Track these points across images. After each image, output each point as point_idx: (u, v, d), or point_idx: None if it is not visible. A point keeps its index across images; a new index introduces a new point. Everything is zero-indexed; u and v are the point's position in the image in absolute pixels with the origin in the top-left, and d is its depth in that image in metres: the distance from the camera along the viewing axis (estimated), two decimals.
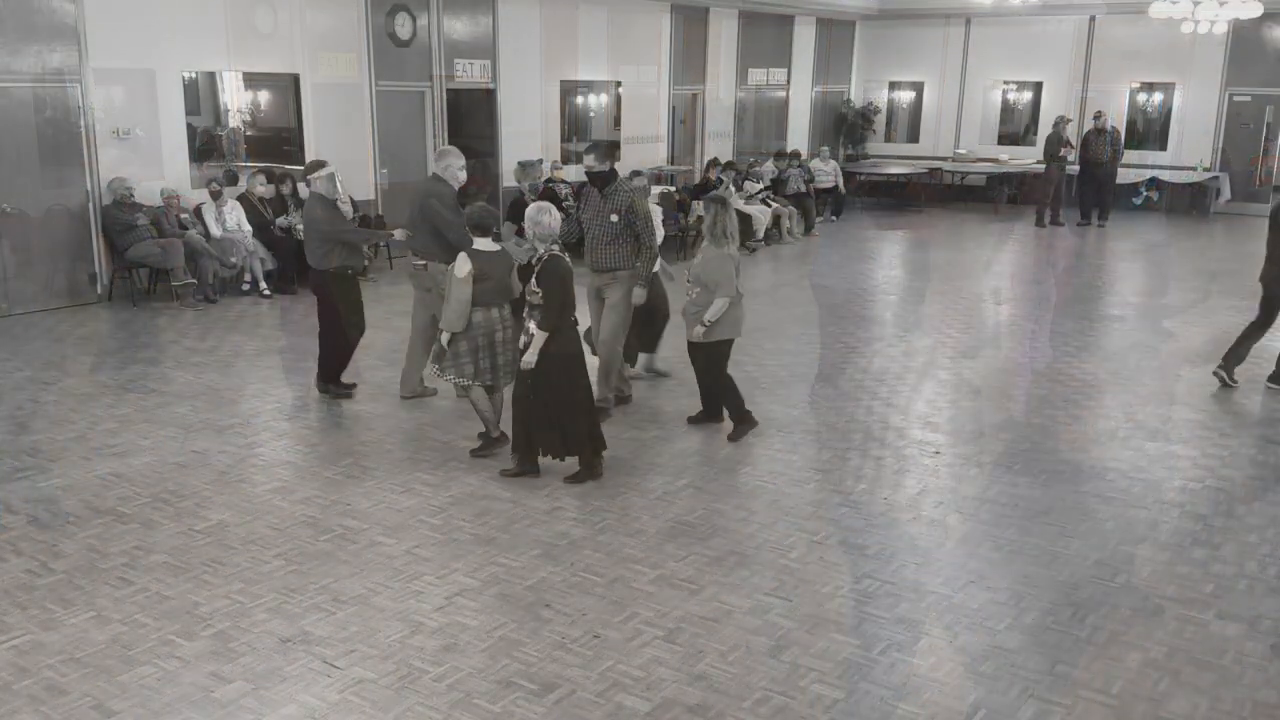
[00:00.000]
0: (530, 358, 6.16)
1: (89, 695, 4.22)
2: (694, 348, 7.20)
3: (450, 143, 14.17)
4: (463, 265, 6.41)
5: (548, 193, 14.10)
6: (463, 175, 7.70)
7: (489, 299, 6.50)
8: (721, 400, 7.35)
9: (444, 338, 6.55)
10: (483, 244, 6.54)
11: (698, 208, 14.59)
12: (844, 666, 4.45)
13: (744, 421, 7.27)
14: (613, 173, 7.52)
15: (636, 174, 9.92)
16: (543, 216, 6.23)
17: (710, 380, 7.31)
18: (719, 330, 7.08)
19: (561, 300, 6.13)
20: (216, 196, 11.52)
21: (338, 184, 7.86)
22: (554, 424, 6.29)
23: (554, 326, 6.12)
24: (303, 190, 12.47)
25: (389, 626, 4.75)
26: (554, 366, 6.18)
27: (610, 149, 7.49)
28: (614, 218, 7.35)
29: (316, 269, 7.75)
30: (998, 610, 4.93)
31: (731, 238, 7.08)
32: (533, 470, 6.45)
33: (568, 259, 6.31)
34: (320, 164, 7.83)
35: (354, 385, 8.11)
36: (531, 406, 6.28)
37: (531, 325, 6.20)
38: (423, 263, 7.64)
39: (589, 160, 7.52)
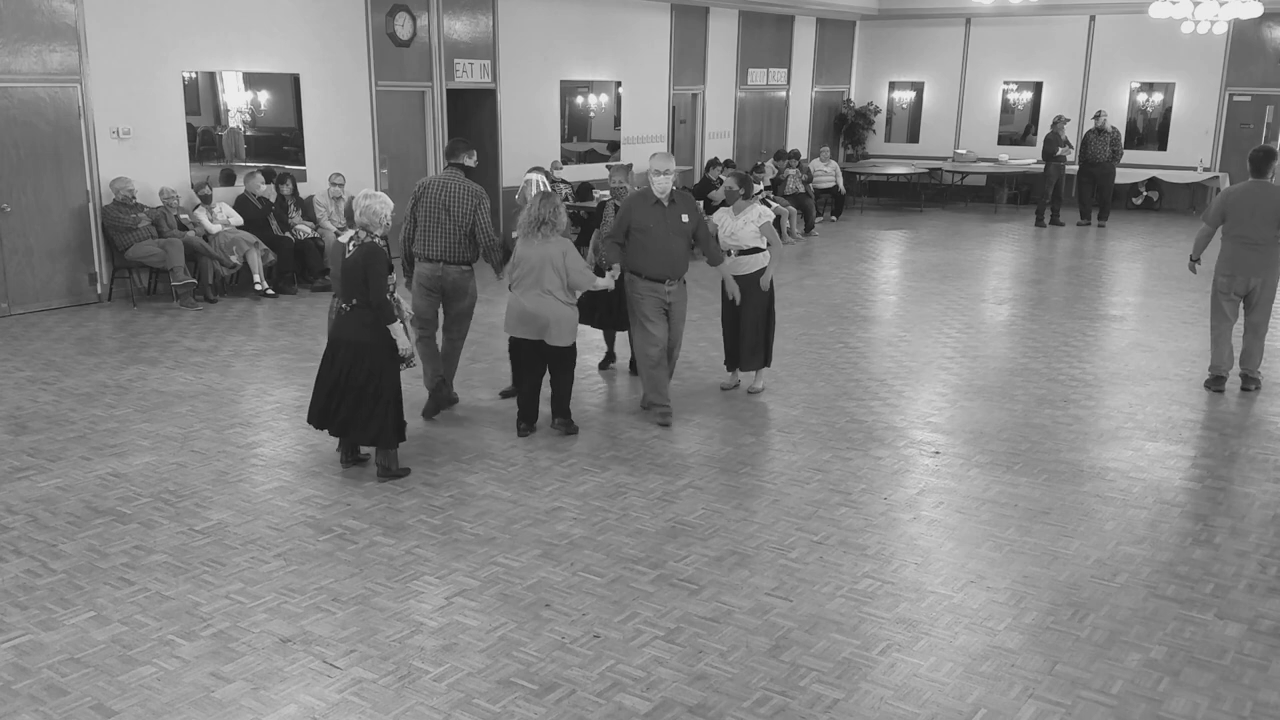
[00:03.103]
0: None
1: (89, 695, 4.22)
2: None
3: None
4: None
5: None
6: (658, 180, 7.34)
7: (333, 285, 6.74)
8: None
9: None
10: (344, 235, 6.73)
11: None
12: (844, 666, 4.45)
13: (522, 419, 7.33)
14: (458, 168, 7.56)
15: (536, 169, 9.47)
16: (368, 202, 6.42)
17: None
18: (506, 320, 7.23)
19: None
20: (207, 200, 11.52)
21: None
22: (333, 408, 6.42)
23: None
24: (303, 190, 12.54)
25: (389, 626, 4.75)
26: (349, 351, 6.31)
27: (462, 145, 7.55)
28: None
29: None
30: (998, 610, 4.94)
31: (544, 230, 6.98)
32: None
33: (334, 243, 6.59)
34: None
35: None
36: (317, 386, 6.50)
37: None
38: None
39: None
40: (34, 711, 4.11)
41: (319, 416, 6.49)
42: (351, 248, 6.26)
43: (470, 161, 7.66)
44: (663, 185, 7.32)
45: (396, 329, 6.30)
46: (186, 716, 4.09)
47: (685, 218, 7.41)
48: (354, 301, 6.23)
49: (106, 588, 5.09)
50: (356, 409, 6.30)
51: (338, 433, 6.50)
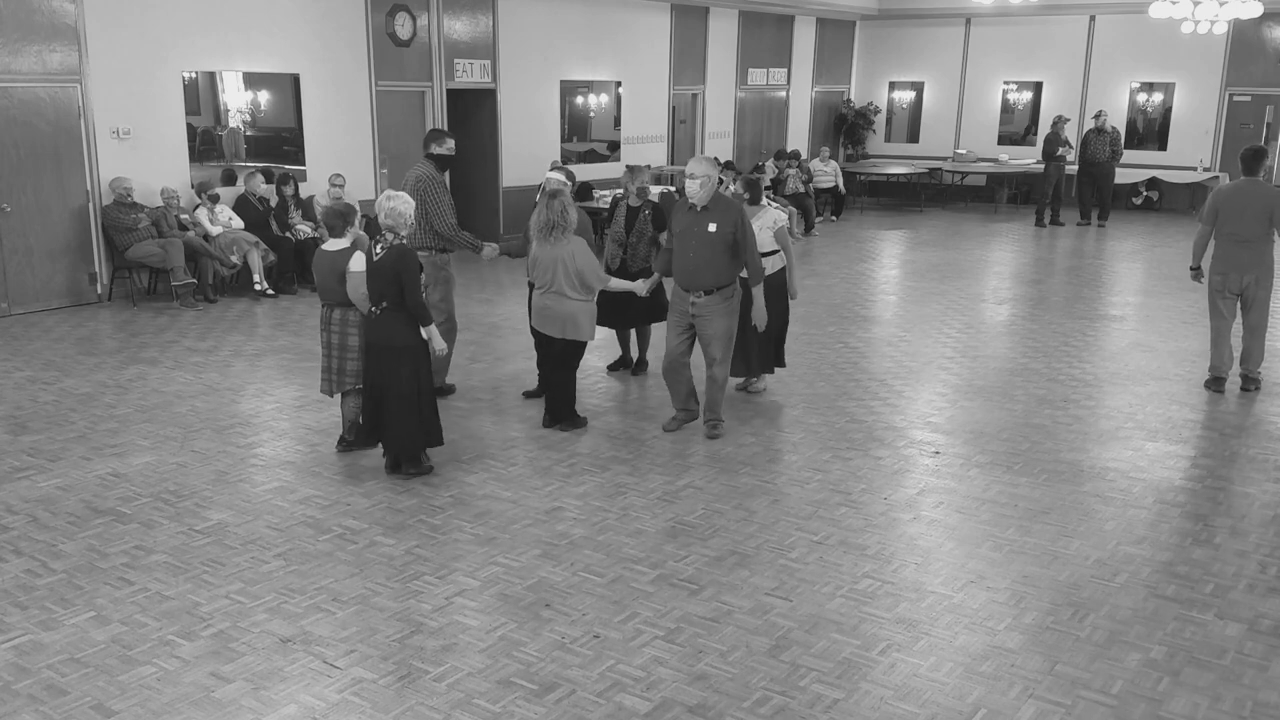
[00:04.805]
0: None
1: (89, 695, 4.22)
2: None
3: None
4: None
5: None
6: (687, 184, 6.92)
7: (322, 296, 6.73)
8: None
9: None
10: (329, 244, 6.72)
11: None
12: (844, 666, 4.45)
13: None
14: (427, 158, 7.79)
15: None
16: (392, 203, 6.34)
17: None
18: None
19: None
20: (215, 201, 11.54)
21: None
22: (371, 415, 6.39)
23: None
24: (303, 190, 12.54)
25: (389, 626, 4.75)
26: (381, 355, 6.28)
27: (432, 135, 7.95)
28: None
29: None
30: (998, 610, 4.94)
31: (555, 233, 6.99)
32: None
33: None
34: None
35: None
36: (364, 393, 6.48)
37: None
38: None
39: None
40: (34, 711, 4.12)
41: (370, 432, 6.40)
42: (379, 250, 6.19)
43: (439, 149, 7.75)
44: (691, 189, 6.83)
45: (432, 331, 6.31)
46: (186, 716, 4.09)
47: (712, 227, 6.80)
48: (384, 304, 6.17)
49: (106, 588, 5.09)
50: (406, 414, 6.23)
51: (383, 441, 6.42)
